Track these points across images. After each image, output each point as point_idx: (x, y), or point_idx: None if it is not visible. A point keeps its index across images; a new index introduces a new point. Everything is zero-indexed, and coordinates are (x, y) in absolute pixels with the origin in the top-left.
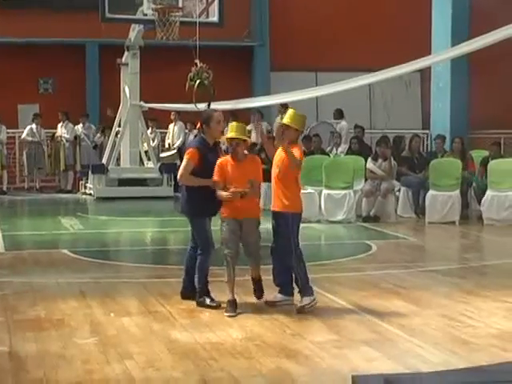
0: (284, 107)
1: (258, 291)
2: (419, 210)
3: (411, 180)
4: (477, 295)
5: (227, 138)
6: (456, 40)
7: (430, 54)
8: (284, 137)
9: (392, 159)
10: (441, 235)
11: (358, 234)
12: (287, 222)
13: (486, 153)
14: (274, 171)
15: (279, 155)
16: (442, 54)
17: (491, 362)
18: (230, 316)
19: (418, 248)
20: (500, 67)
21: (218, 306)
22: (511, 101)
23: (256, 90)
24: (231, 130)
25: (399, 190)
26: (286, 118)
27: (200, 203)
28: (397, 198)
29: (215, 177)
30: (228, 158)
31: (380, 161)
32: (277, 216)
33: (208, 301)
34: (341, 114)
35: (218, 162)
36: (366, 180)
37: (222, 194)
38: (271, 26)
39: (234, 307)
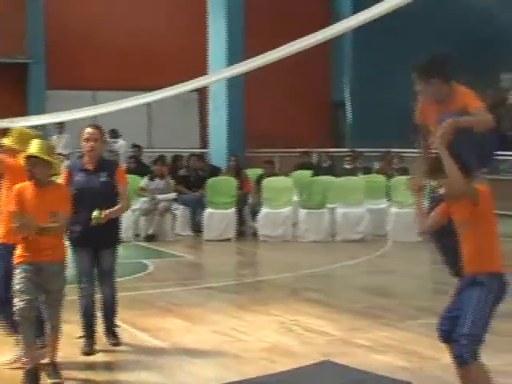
0: (60, 126)
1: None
2: (197, 227)
3: (188, 198)
4: (249, 310)
5: (24, 157)
6: (231, 61)
7: (206, 73)
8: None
9: (169, 178)
10: (217, 252)
11: (135, 254)
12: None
13: (260, 171)
14: None
15: None
16: (217, 74)
17: (260, 374)
18: None
19: (195, 266)
20: (274, 89)
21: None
22: (284, 121)
23: (31, 108)
24: (32, 147)
25: (177, 209)
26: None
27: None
28: (175, 216)
29: (12, 205)
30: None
31: (157, 179)
32: None
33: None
34: (116, 134)
35: (17, 186)
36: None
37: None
38: (48, 44)
39: (35, 379)
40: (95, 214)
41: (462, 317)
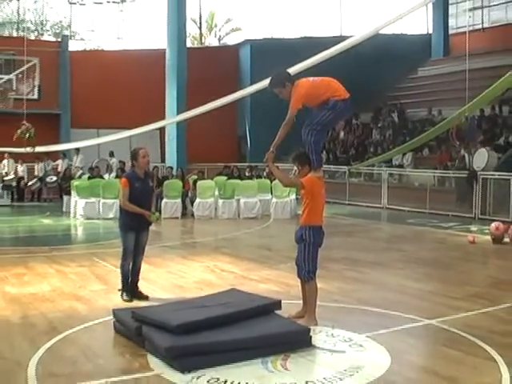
0: (77, 149)
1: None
2: (158, 210)
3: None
4: (188, 259)
5: None
6: (179, 110)
7: (164, 118)
8: None
9: None
10: (170, 225)
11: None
12: None
13: (195, 176)
14: None
15: None
16: (170, 119)
17: (193, 296)
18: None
19: (156, 233)
20: (206, 127)
21: (129, 301)
22: (211, 147)
23: (62, 139)
24: None
25: None
26: None
27: (127, 221)
28: None
29: None
30: None
31: None
32: None
33: (124, 295)
34: (112, 154)
35: None
36: None
37: None
38: (72, 101)
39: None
40: (156, 215)
41: (299, 259)
